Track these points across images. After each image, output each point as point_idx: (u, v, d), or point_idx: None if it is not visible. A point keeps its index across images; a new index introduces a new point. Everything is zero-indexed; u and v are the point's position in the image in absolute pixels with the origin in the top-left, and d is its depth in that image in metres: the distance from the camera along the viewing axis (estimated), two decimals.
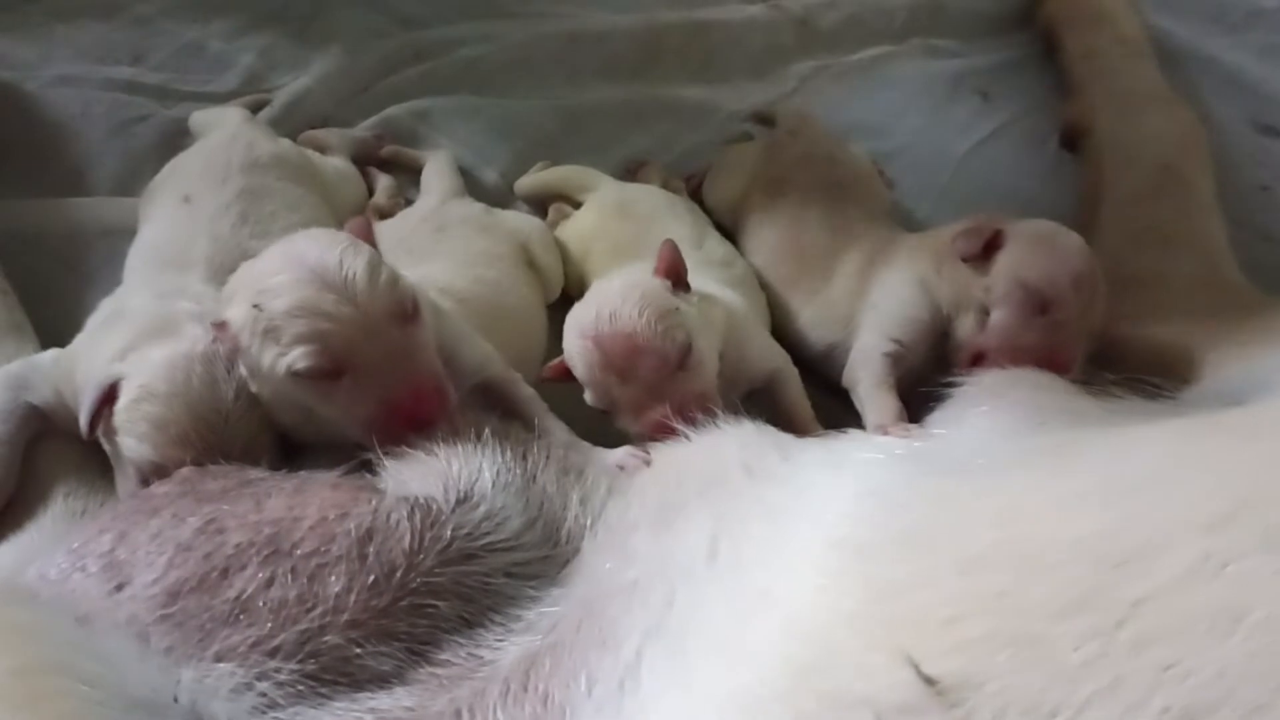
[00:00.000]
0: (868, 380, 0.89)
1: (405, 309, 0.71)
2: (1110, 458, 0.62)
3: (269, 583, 0.59)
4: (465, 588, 0.63)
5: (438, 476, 0.67)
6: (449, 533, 0.64)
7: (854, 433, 0.79)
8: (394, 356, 0.70)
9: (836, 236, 1.02)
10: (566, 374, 0.82)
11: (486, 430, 0.71)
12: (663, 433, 0.76)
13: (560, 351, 0.84)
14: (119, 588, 0.59)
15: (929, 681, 0.48)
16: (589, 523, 0.70)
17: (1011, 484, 0.61)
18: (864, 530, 0.59)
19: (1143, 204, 1.11)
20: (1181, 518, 0.50)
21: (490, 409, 0.79)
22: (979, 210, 0.98)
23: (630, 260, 0.88)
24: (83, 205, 1.04)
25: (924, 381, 0.89)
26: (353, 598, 0.60)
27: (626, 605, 0.61)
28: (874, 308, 0.94)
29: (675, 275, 0.82)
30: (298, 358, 0.68)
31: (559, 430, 0.79)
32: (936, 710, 0.47)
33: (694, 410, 0.76)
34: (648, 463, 0.75)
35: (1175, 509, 0.51)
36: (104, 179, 1.08)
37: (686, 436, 0.75)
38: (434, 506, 0.64)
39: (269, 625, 0.58)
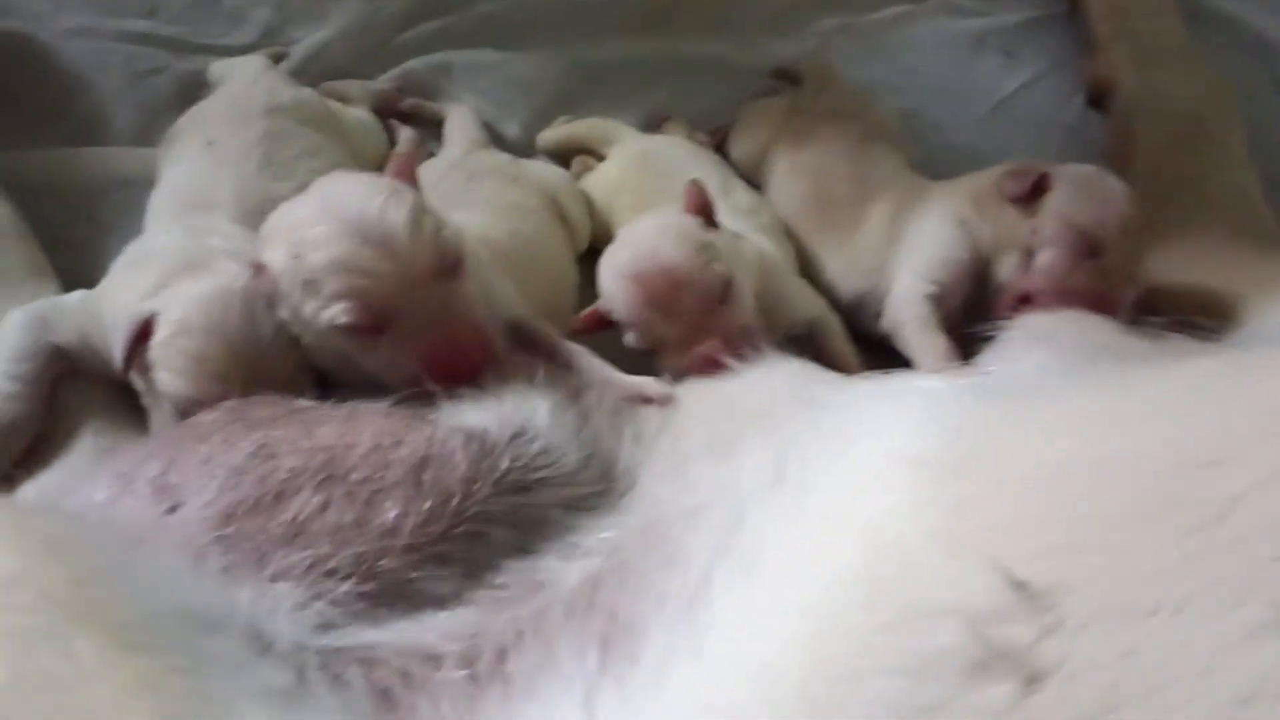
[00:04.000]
0: (913, 322, 0.88)
1: (448, 262, 0.69)
2: (1180, 378, 0.61)
3: (324, 506, 0.58)
4: (521, 518, 0.62)
5: (490, 412, 0.66)
6: (505, 464, 0.62)
7: (902, 372, 0.79)
8: (436, 311, 0.68)
9: (864, 187, 1.01)
10: (599, 323, 0.80)
11: (540, 373, 0.70)
12: (710, 367, 0.75)
13: (589, 304, 0.83)
14: (171, 510, 0.58)
15: (1019, 586, 0.47)
16: (644, 457, 0.69)
17: (1082, 402, 0.61)
18: (933, 448, 0.58)
19: (1174, 156, 1.10)
20: (1268, 420, 0.49)
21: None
22: None
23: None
24: (99, 155, 1.01)
25: (958, 327, 0.89)
26: (409, 523, 0.58)
27: (692, 527, 0.59)
28: (911, 251, 0.93)
29: (705, 213, 0.81)
30: (338, 313, 0.66)
31: (590, 360, 0.77)
32: (1028, 615, 0.46)
33: (740, 344, 0.75)
34: (670, 398, 0.74)
35: (1259, 416, 0.50)
36: (120, 130, 1.05)
37: (733, 371, 0.74)
38: (489, 438, 0.63)
39: (325, 547, 0.56)
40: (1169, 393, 0.57)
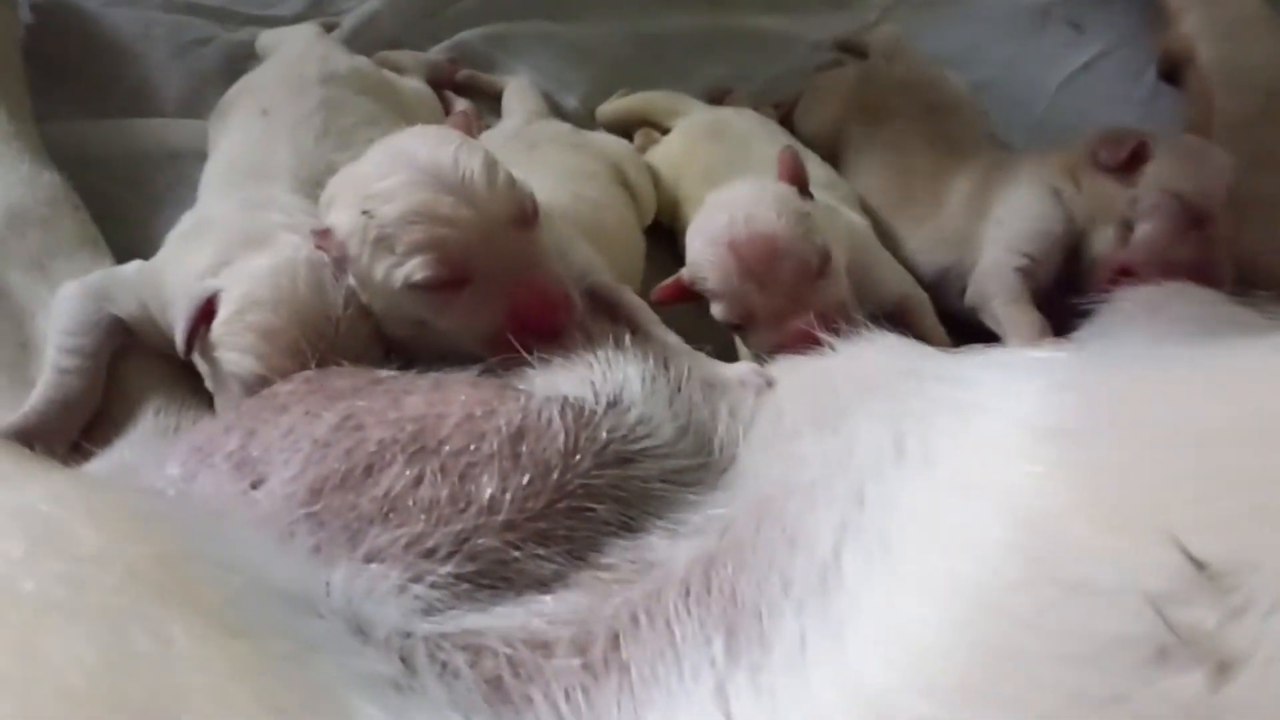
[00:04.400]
0: (1002, 296, 0.84)
1: (526, 210, 0.65)
2: None
3: (417, 480, 0.53)
4: (624, 492, 0.57)
5: (582, 380, 0.62)
6: (604, 434, 0.58)
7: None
8: (517, 262, 0.64)
9: (944, 159, 0.97)
10: (682, 294, 0.76)
11: (626, 336, 0.66)
12: (806, 342, 0.70)
13: (659, 277, 0.79)
14: (254, 485, 0.54)
15: (1198, 565, 0.43)
16: (741, 432, 0.64)
17: (1213, 369, 0.56)
18: (1070, 417, 0.53)
19: (1255, 129, 1.05)
20: None
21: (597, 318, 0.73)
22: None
23: (726, 183, 0.82)
24: (148, 126, 0.98)
25: (1048, 302, 0.85)
26: (507, 498, 0.54)
27: (809, 504, 0.55)
28: (1000, 223, 0.89)
29: (799, 182, 0.76)
30: (415, 268, 0.62)
31: (672, 339, 0.73)
32: (1211, 595, 0.42)
33: (837, 320, 0.70)
34: (770, 384, 0.69)
35: None
36: (167, 101, 1.02)
37: (831, 346, 0.70)
38: (586, 406, 0.59)
39: (420, 525, 0.52)
40: None
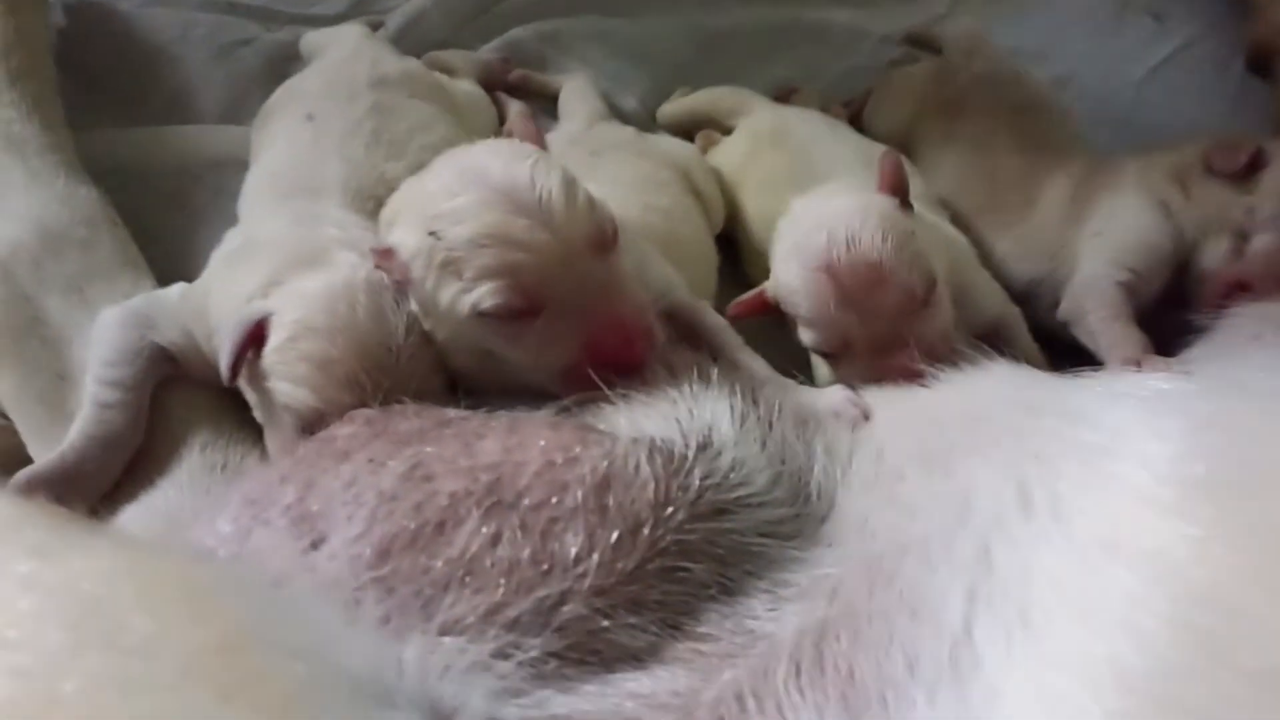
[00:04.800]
0: (1101, 311, 0.78)
1: (606, 235, 0.60)
2: None
3: (494, 539, 0.48)
4: (719, 548, 0.52)
5: (667, 419, 0.56)
6: (697, 482, 0.52)
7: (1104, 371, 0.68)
8: (595, 291, 0.59)
9: (1035, 161, 0.90)
10: (763, 308, 0.70)
11: (713, 371, 0.60)
12: (906, 376, 0.64)
13: (732, 292, 0.73)
14: (314, 545, 0.48)
15: None
16: (839, 474, 0.59)
17: None
18: (1221, 466, 0.47)
19: None
20: None
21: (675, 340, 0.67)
22: (1164, 140, 0.87)
23: (792, 192, 0.75)
24: (187, 134, 0.93)
25: (1151, 319, 0.78)
26: (595, 558, 0.48)
27: (927, 565, 0.49)
28: (1100, 234, 0.82)
29: (901, 194, 0.70)
30: (485, 295, 0.57)
31: (758, 366, 0.67)
32: None
33: (939, 354, 0.64)
34: (867, 415, 0.63)
35: None
36: (207, 106, 0.97)
37: (933, 380, 0.64)
38: (675, 450, 0.53)
39: (500, 590, 0.47)
40: None
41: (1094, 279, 0.80)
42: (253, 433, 0.67)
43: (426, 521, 0.48)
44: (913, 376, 0.63)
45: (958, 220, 0.90)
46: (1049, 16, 1.20)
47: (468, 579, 0.47)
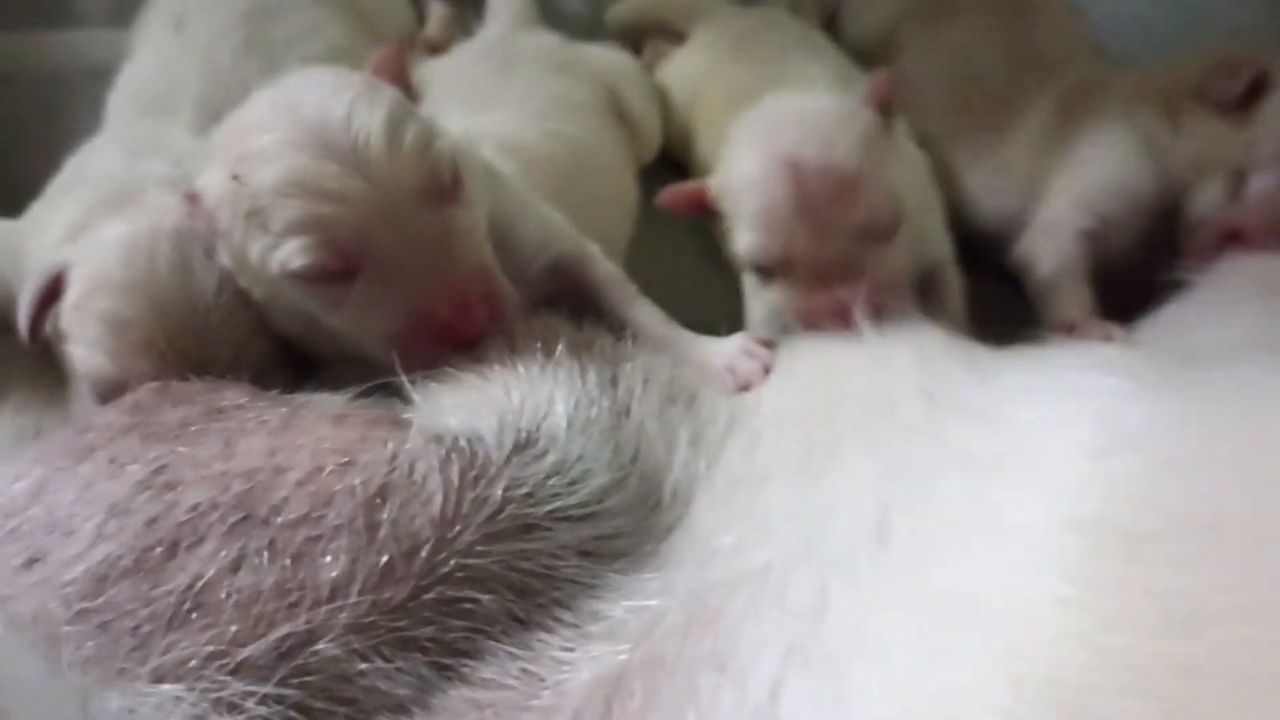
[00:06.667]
0: (1053, 261, 0.69)
1: (441, 182, 0.51)
2: None
3: (235, 565, 0.41)
4: (519, 573, 0.44)
5: (490, 409, 0.48)
6: (499, 493, 0.44)
7: (1071, 346, 0.58)
8: (426, 249, 0.51)
9: (1020, 78, 0.79)
10: (698, 205, 0.61)
11: (560, 344, 0.52)
12: (840, 320, 0.56)
13: (657, 230, 0.66)
14: (28, 564, 0.41)
15: None
16: (703, 471, 0.50)
17: None
18: (1127, 507, 0.38)
19: None
20: None
21: (560, 299, 0.60)
22: (1188, 44, 0.78)
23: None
24: (66, 39, 0.85)
25: (1132, 275, 0.67)
26: (356, 588, 0.41)
27: (755, 605, 0.41)
28: (1073, 169, 0.72)
29: (888, 113, 0.61)
30: (292, 253, 0.49)
31: (650, 320, 0.59)
32: None
33: (888, 298, 0.56)
34: (767, 368, 0.56)
35: None
36: (94, 9, 0.88)
37: (859, 334, 0.55)
38: (480, 452, 0.45)
39: (234, 628, 0.40)
40: None
41: (1053, 223, 0.71)
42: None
43: (157, 541, 0.41)
44: (847, 320, 0.55)
45: (930, 143, 0.79)
46: None
47: (195, 613, 0.40)
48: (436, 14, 0.88)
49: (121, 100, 0.70)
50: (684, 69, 0.85)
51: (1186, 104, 0.69)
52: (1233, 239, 0.64)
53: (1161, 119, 0.69)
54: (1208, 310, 0.60)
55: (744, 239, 0.59)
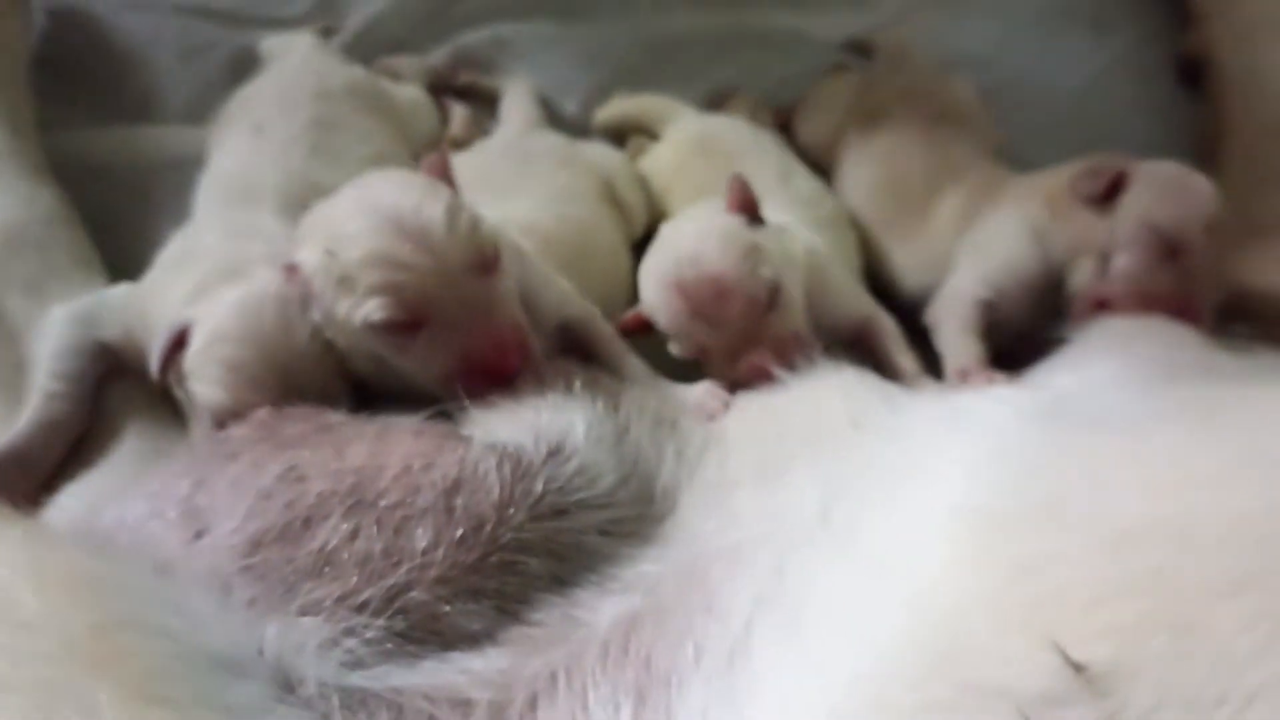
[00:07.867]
0: (952, 322, 0.85)
1: (486, 258, 0.67)
2: (1258, 421, 0.56)
3: (353, 535, 0.56)
4: (557, 545, 0.59)
5: (527, 427, 0.63)
6: (540, 486, 0.60)
7: (972, 386, 0.75)
8: (473, 308, 0.67)
9: (937, 174, 0.96)
10: (645, 326, 0.78)
11: (577, 382, 0.68)
12: (760, 378, 0.72)
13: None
14: (198, 535, 0.56)
15: (1076, 668, 0.44)
16: (686, 477, 0.66)
17: (1155, 449, 0.56)
18: (997, 498, 0.54)
19: (1272, 143, 1.03)
20: None
21: (570, 351, 0.76)
22: (1093, 151, 0.90)
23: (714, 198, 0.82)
24: (152, 135, 1.00)
25: (1027, 335, 0.84)
26: (440, 553, 0.56)
27: (731, 570, 0.56)
28: (975, 248, 0.88)
29: (749, 210, 0.77)
30: (372, 309, 0.65)
31: (636, 369, 0.76)
32: (1086, 700, 0.43)
33: (791, 352, 0.72)
34: (727, 405, 0.72)
35: None
36: (173, 107, 1.04)
37: (783, 382, 0.71)
38: (524, 458, 0.61)
39: (354, 579, 0.55)
40: (1247, 445, 0.53)
41: (956, 291, 0.86)
42: (185, 424, 0.75)
43: (296, 517, 0.56)
44: (765, 376, 0.71)
45: (865, 229, 0.96)
46: (995, 23, 1.24)
47: (326, 568, 0.55)
48: (459, 116, 1.05)
49: (211, 192, 0.85)
50: (659, 163, 1.01)
51: (1064, 200, 0.84)
52: (1102, 306, 0.80)
53: (1045, 211, 0.85)
54: (1078, 359, 0.76)
55: (672, 345, 0.77)
